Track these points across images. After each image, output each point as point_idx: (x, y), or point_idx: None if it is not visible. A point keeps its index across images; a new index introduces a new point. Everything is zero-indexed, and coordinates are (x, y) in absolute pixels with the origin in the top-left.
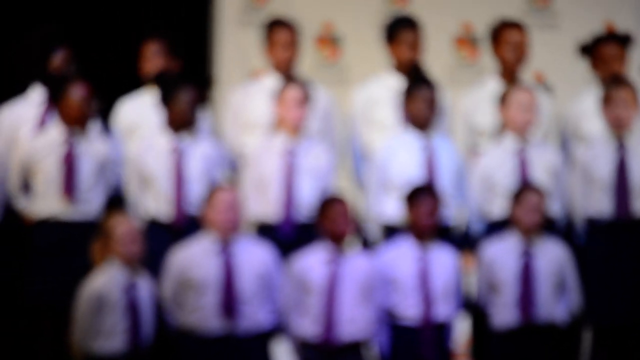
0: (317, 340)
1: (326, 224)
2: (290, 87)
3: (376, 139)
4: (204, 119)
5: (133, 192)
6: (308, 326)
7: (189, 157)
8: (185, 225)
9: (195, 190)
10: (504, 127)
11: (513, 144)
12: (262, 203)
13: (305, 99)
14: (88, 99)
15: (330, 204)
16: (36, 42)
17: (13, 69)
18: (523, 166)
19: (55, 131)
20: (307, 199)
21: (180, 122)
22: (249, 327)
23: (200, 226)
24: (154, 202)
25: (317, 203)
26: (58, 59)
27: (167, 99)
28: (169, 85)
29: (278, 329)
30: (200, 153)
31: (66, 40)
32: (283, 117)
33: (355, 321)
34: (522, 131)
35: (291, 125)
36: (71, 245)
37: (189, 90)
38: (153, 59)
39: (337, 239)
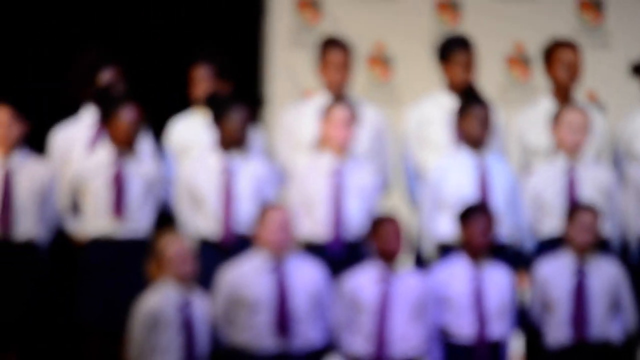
0: (368, 358)
1: (378, 242)
2: (337, 106)
3: (429, 158)
4: (255, 138)
5: (183, 211)
6: (360, 345)
7: (239, 176)
8: (234, 244)
9: (245, 209)
10: (555, 146)
11: (564, 163)
12: (310, 223)
13: (352, 119)
14: (137, 120)
15: (382, 223)
16: (84, 61)
17: (64, 88)
18: (572, 185)
19: (105, 152)
20: (354, 218)
21: (231, 141)
22: (301, 346)
23: (249, 245)
24: (204, 222)
25: (369, 222)
26: (107, 77)
27: (218, 119)
28: (220, 105)
29: (329, 348)
30: (250, 172)
31: (115, 59)
32: (329, 136)
33: (406, 340)
34: (572, 151)
35: (337, 145)
36: (121, 264)
37: (239, 109)
38: (202, 82)
39: (388, 258)
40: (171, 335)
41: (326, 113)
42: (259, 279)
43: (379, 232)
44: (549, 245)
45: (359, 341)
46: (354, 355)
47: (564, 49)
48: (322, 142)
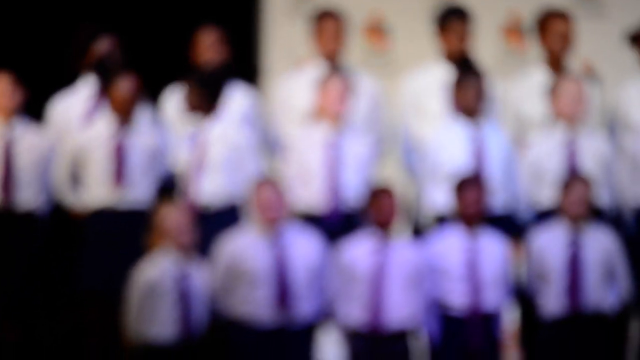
0: (364, 328)
1: (374, 213)
2: (333, 77)
3: (425, 129)
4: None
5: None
6: (355, 314)
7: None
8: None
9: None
10: (553, 117)
11: (563, 134)
12: (306, 194)
13: (347, 90)
14: (136, 90)
15: (378, 194)
16: (81, 31)
17: (61, 60)
18: (572, 156)
19: (104, 123)
20: (350, 189)
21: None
22: (300, 318)
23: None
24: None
25: (365, 192)
26: (103, 46)
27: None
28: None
29: (326, 319)
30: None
31: (112, 29)
32: (325, 107)
33: (402, 309)
34: (572, 121)
35: (332, 116)
36: (122, 235)
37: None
38: (210, 47)
39: (384, 228)
40: (168, 305)
41: (321, 84)
42: (257, 251)
43: (375, 202)
44: (548, 216)
45: (354, 311)
46: (349, 326)
47: (557, 19)
48: (318, 113)
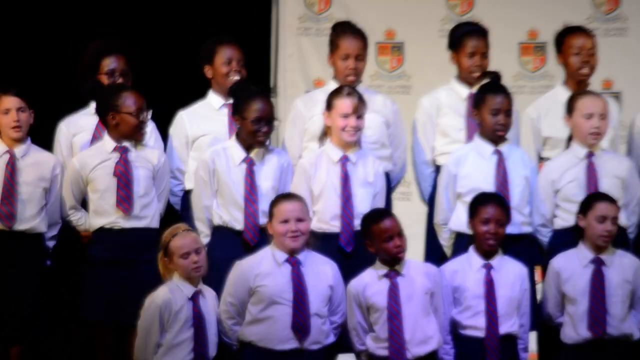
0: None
1: (379, 245)
2: (344, 97)
3: (443, 148)
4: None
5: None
6: (375, 343)
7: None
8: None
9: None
10: (572, 135)
11: (581, 151)
12: (319, 212)
13: (360, 109)
14: (140, 109)
15: (377, 216)
16: (89, 50)
17: (69, 80)
18: (591, 175)
19: (110, 143)
20: (362, 208)
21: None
22: (316, 342)
23: None
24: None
25: (365, 220)
26: (111, 66)
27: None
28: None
29: (342, 344)
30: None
31: (119, 48)
32: (337, 126)
33: (421, 334)
34: (590, 139)
35: (349, 137)
36: (128, 257)
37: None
38: (236, 67)
39: (393, 263)
40: (183, 330)
41: (333, 102)
42: (274, 275)
43: (378, 233)
44: (565, 236)
45: (374, 340)
46: (370, 354)
47: (576, 35)
48: (330, 132)
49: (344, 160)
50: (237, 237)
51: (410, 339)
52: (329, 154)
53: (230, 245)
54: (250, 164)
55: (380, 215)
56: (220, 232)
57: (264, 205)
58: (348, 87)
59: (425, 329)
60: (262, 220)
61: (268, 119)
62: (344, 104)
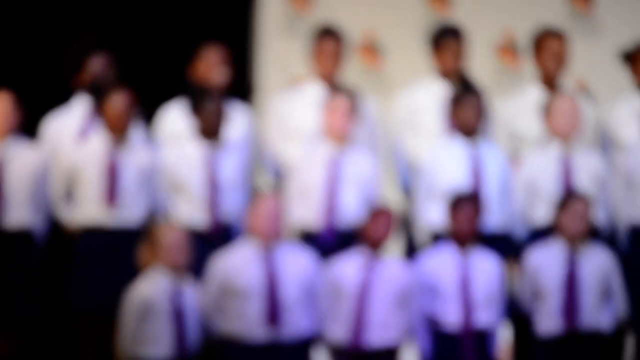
0: (348, 346)
1: (368, 232)
2: (339, 96)
3: (420, 146)
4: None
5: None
6: (340, 332)
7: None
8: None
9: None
10: (548, 135)
11: (557, 151)
12: (305, 210)
13: (353, 109)
14: (130, 107)
15: (376, 214)
16: (75, 49)
17: (55, 77)
18: (567, 174)
19: (99, 140)
20: (350, 207)
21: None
22: (292, 335)
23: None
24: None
25: (365, 213)
26: (97, 63)
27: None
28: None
29: (318, 336)
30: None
31: (105, 46)
32: (330, 126)
33: (386, 327)
34: (566, 139)
35: (338, 134)
36: (114, 253)
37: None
38: (218, 67)
39: (375, 247)
40: (162, 324)
41: (328, 103)
42: (249, 268)
43: (372, 222)
44: (541, 234)
45: (339, 329)
46: (334, 343)
47: (552, 37)
48: (324, 132)
49: (336, 159)
50: None
51: (373, 329)
52: (321, 152)
53: None
54: None
55: (380, 209)
56: None
57: None
58: (341, 87)
59: (391, 322)
60: None
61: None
62: (341, 103)
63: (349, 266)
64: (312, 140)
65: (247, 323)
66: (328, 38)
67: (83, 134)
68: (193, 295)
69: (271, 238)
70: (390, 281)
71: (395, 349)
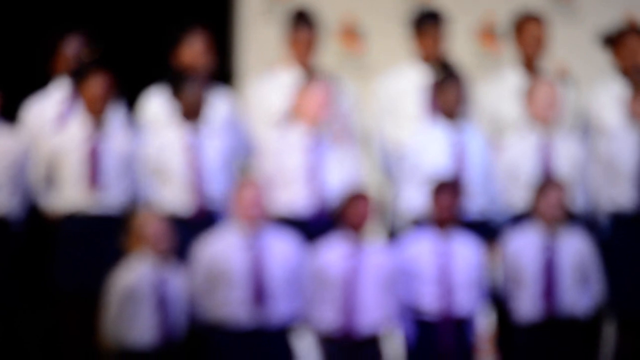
0: (336, 333)
1: (348, 216)
2: (313, 81)
3: (401, 131)
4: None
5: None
6: (328, 318)
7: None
8: None
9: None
10: (528, 119)
11: (537, 136)
12: (287, 197)
13: (328, 93)
14: (109, 88)
15: (353, 198)
16: (49, 32)
17: (34, 62)
18: (547, 159)
19: (78, 125)
20: (332, 192)
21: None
22: (277, 320)
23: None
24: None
25: (342, 197)
26: (72, 46)
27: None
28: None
29: (303, 322)
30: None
31: (82, 28)
32: (304, 110)
33: (374, 313)
34: (546, 124)
35: (312, 119)
36: (96, 237)
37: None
38: (203, 52)
39: (356, 232)
40: (146, 311)
41: (304, 87)
42: (235, 253)
43: (350, 206)
44: (522, 219)
45: (327, 315)
46: (322, 330)
47: (532, 22)
48: (297, 116)
49: (316, 144)
50: None
51: (362, 316)
52: (298, 137)
53: None
54: None
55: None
56: None
57: None
58: (318, 71)
59: (379, 308)
60: None
61: None
62: (318, 88)
63: (333, 253)
64: (282, 124)
65: (233, 308)
66: (302, 23)
67: (62, 118)
68: (177, 282)
69: (255, 223)
70: (375, 267)
71: (382, 336)
